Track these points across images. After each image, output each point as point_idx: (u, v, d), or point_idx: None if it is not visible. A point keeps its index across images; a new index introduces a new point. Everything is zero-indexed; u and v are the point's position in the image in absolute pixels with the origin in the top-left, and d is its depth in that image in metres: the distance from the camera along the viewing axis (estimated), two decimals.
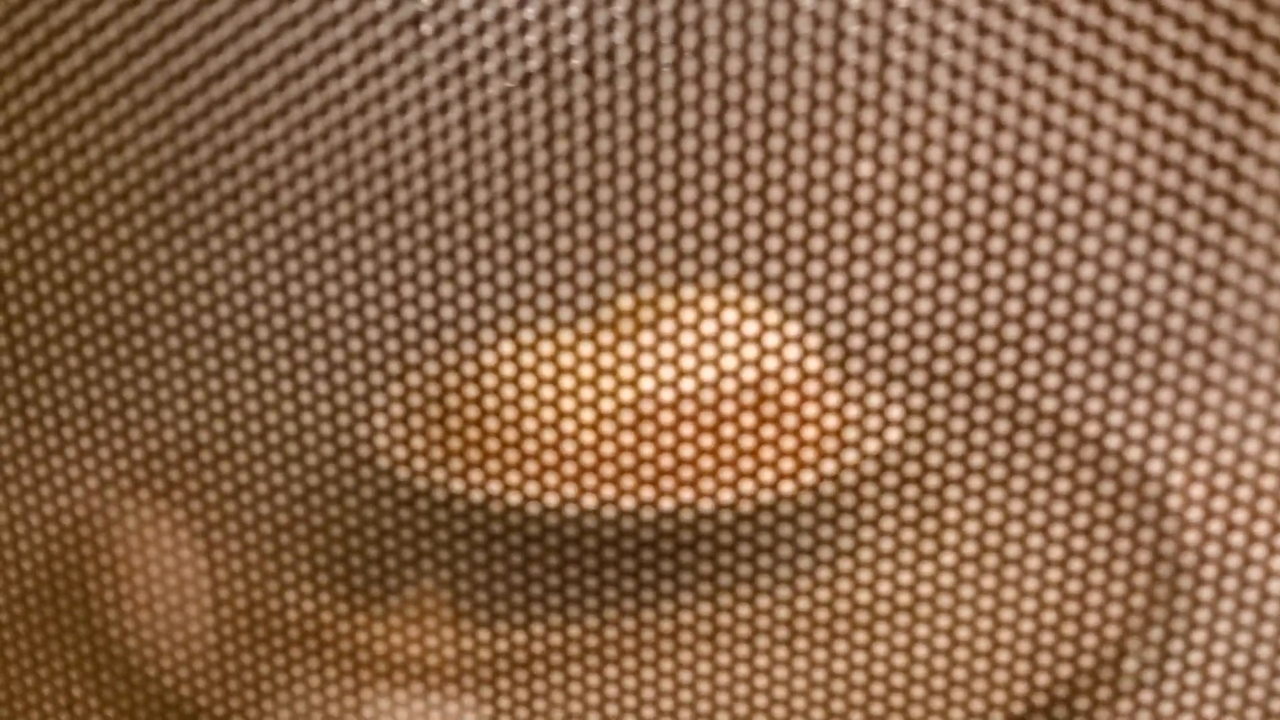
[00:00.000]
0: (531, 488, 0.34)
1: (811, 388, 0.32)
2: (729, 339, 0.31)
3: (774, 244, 0.30)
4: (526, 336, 0.32)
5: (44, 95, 0.32)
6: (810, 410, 0.33)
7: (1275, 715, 0.32)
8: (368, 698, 0.36)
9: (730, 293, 0.31)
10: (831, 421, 0.33)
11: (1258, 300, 0.29)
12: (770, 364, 0.32)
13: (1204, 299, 0.30)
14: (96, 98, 0.32)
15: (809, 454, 0.33)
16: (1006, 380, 0.30)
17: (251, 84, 0.31)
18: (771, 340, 0.31)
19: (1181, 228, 0.29)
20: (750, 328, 0.31)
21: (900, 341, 0.30)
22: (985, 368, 0.30)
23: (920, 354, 0.30)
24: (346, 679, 0.36)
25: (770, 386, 0.32)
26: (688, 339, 0.31)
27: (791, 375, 0.32)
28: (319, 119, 0.31)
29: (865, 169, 0.29)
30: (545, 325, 0.32)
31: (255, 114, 0.31)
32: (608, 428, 0.33)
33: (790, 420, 0.32)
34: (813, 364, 0.32)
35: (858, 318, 0.30)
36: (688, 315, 0.31)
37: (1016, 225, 0.29)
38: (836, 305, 0.30)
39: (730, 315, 0.31)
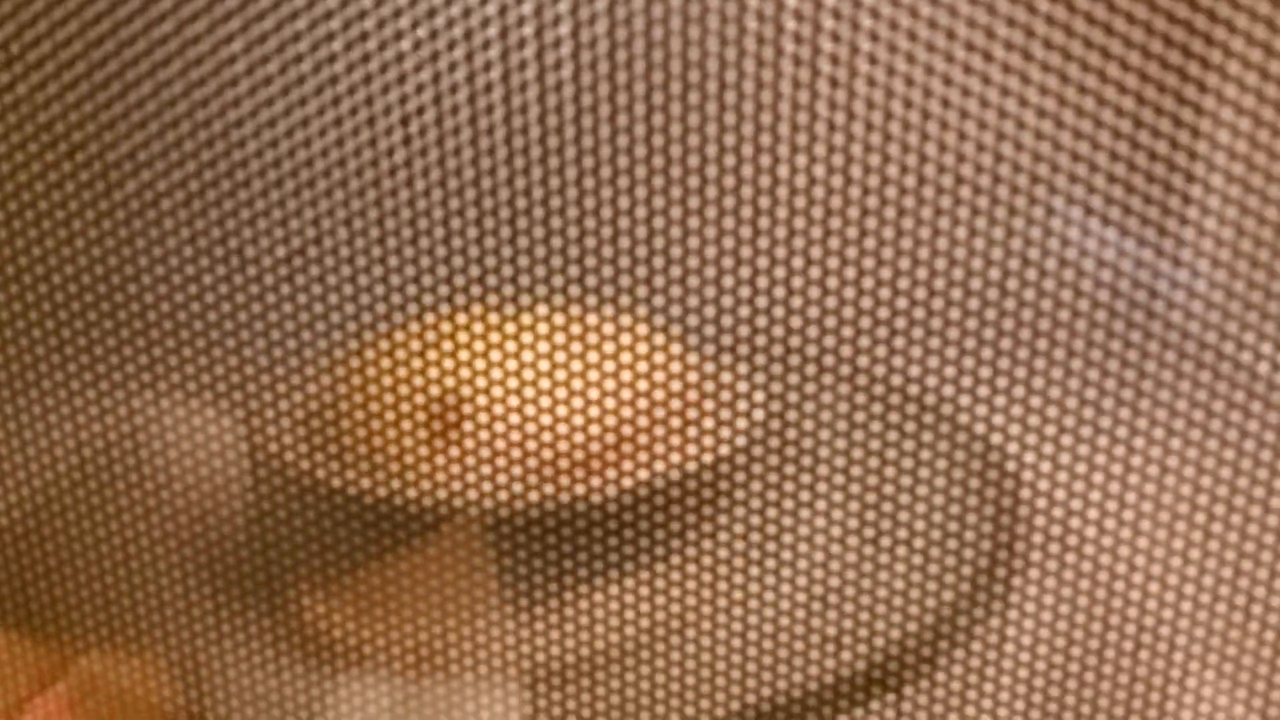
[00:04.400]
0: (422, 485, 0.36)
1: (677, 383, 0.35)
2: (590, 341, 0.33)
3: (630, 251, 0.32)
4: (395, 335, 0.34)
5: None
6: (681, 402, 0.35)
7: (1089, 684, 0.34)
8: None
9: (581, 301, 0.33)
10: (701, 411, 0.35)
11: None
12: (639, 364, 0.34)
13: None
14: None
15: (685, 441, 0.35)
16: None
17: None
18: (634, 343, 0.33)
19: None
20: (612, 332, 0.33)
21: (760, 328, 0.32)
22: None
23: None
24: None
25: (643, 384, 0.35)
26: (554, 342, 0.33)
27: (660, 374, 0.34)
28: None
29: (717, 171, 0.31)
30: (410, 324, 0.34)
31: None
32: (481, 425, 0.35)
33: (665, 412, 0.35)
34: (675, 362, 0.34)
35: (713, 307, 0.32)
36: (544, 324, 0.33)
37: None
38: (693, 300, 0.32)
39: (587, 321, 0.33)
